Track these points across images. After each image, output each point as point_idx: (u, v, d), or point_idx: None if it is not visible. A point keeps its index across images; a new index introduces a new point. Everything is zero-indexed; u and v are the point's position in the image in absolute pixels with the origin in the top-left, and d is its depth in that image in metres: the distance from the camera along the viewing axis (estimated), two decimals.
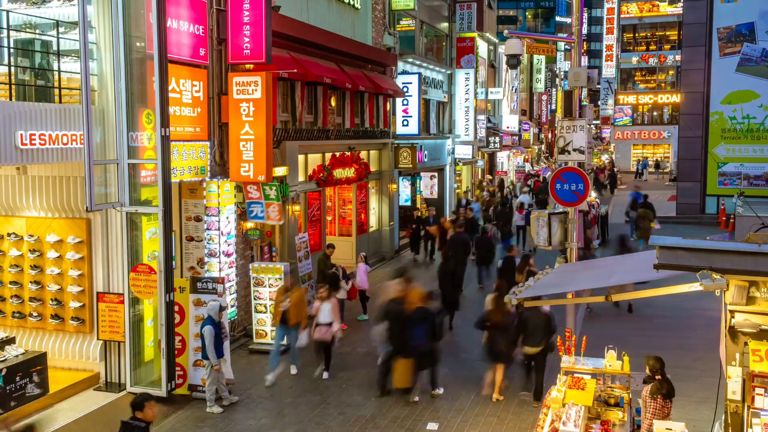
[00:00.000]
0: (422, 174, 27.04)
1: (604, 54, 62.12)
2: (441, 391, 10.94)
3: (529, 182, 36.70)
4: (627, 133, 55.14)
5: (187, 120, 12.00)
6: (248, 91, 12.61)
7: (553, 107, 58.09)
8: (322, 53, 16.91)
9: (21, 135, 9.04)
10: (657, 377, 8.06)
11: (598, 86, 57.79)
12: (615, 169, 46.80)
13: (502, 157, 41.45)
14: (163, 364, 10.53)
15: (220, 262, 12.77)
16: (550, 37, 32.99)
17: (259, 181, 12.94)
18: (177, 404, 10.58)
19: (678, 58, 44.94)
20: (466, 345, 13.12)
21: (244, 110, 12.68)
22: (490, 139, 34.16)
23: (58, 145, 9.65)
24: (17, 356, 10.07)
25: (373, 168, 20.46)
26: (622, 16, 54.89)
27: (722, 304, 6.30)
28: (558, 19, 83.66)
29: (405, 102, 23.32)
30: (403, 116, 23.45)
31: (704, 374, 10.73)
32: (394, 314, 10.74)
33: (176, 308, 10.86)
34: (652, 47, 53.71)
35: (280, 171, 14.13)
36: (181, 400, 10.74)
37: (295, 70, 14.55)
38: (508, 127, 40.07)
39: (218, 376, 10.46)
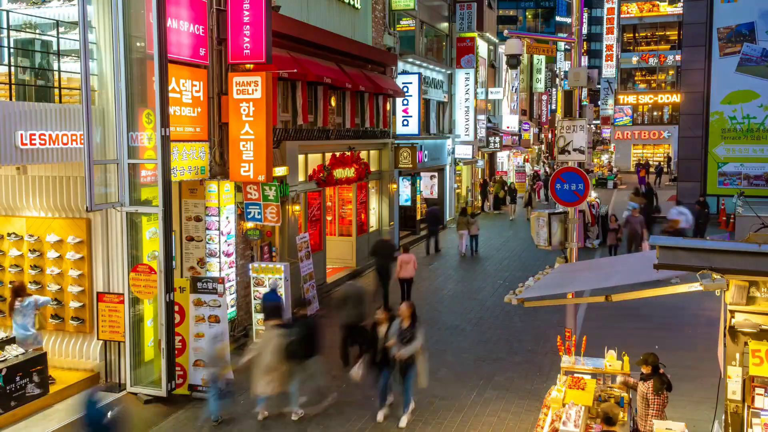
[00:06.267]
0: (422, 174, 27.04)
1: (604, 54, 62.07)
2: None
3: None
4: (627, 133, 55.10)
5: (187, 120, 12.00)
6: (248, 91, 12.61)
7: (553, 107, 58.16)
8: (322, 53, 16.90)
9: (21, 135, 9.04)
10: (661, 371, 8.07)
11: (598, 86, 57.79)
12: (616, 170, 46.74)
13: (502, 157, 41.46)
14: (163, 364, 10.54)
15: (220, 262, 12.77)
16: (550, 37, 32.99)
17: (259, 181, 12.95)
18: (177, 404, 10.58)
19: (678, 58, 44.90)
20: (465, 345, 13.14)
21: (244, 110, 12.68)
22: (490, 139, 34.18)
23: (58, 145, 9.65)
24: (17, 356, 10.06)
25: (373, 168, 20.45)
26: (622, 16, 54.84)
27: (722, 304, 6.31)
28: (558, 19, 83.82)
29: (405, 102, 23.33)
30: (403, 116, 23.45)
31: (704, 374, 10.72)
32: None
33: (176, 308, 10.87)
34: (652, 47, 53.72)
35: (280, 171, 14.13)
36: (181, 400, 10.74)
37: (295, 70, 14.55)
38: (508, 127, 40.07)
39: None
